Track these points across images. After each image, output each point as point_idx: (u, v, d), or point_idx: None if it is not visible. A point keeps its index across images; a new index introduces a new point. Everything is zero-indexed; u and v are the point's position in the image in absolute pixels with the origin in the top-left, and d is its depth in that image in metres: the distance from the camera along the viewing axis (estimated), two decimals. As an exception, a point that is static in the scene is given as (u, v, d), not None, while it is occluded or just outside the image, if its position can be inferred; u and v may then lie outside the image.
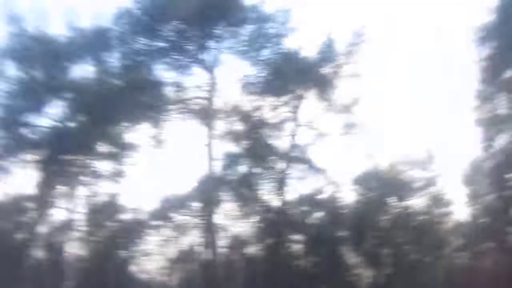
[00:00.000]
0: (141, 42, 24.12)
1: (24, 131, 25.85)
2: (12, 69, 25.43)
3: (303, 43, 27.03)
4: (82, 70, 26.50)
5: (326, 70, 27.77)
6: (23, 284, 24.02)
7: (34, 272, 25.89)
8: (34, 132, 26.05)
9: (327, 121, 28.16)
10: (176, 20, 23.86)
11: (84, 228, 28.46)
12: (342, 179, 28.32)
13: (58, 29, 26.13)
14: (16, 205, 27.55)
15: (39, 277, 25.59)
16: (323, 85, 27.67)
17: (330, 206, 28.73)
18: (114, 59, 25.01)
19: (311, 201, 28.58)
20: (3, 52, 25.37)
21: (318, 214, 29.49)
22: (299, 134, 27.72)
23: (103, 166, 28.06)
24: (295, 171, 27.88)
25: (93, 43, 25.83)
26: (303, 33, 27.32)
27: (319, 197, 28.70)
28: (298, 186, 28.11)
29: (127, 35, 24.23)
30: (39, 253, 28.35)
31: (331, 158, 28.19)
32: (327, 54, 27.61)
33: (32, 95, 25.11)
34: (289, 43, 26.70)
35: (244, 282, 28.17)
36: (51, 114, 26.21)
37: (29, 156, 26.35)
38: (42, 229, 27.35)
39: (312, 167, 27.69)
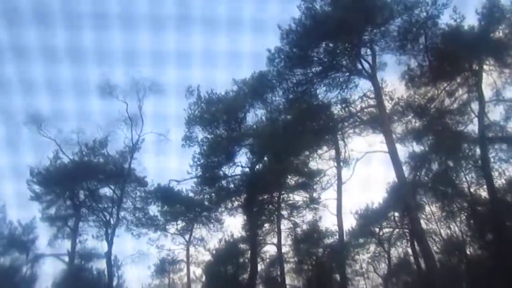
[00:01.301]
0: (298, 73, 25.04)
1: (223, 182, 29.18)
2: (200, 133, 29.22)
3: (462, 13, 24.53)
4: (255, 115, 28.99)
5: (498, 33, 24.54)
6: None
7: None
8: (231, 181, 29.17)
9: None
10: (325, 40, 24.18)
11: (295, 259, 29.99)
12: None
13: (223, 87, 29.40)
14: (232, 249, 30.67)
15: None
16: (500, 50, 24.42)
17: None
18: (279, 97, 26.45)
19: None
20: (189, 121, 29.23)
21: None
22: (490, 111, 24.80)
23: (297, 197, 29.71)
24: (497, 152, 24.81)
25: (256, 88, 28.03)
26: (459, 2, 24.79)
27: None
28: (506, 168, 24.88)
29: (284, 71, 25.40)
30: (260, 288, 30.79)
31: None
32: (494, 15, 24.43)
33: (221, 150, 28.27)
34: (446, 20, 24.48)
35: (471, 287, 25.55)
36: (241, 162, 29.09)
37: (232, 203, 29.54)
38: (259, 266, 29.77)
39: (517, 143, 24.25)
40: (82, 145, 29.40)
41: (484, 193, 25.05)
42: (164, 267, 33.16)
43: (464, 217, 26.51)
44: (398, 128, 26.46)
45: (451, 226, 27.06)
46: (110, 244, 27.83)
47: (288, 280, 29.76)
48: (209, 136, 29.07)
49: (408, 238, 27.42)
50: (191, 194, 30.15)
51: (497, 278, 21.45)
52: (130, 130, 29.51)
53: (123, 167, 29.86)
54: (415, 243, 24.81)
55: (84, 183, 29.65)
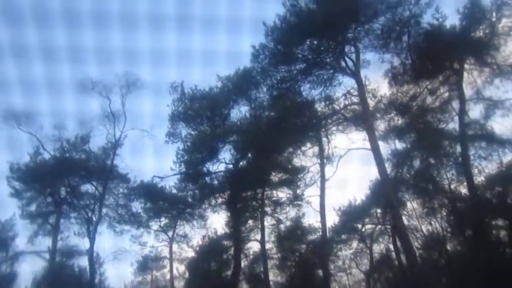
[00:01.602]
0: (283, 70, 25.09)
1: (207, 179, 29.11)
2: (183, 129, 29.02)
3: (445, 13, 24.89)
4: (239, 112, 28.96)
5: (479, 33, 24.97)
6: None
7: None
8: (215, 178, 29.12)
9: (497, 87, 25.19)
10: (309, 38, 24.26)
11: (278, 255, 30.10)
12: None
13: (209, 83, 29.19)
14: (216, 245, 30.63)
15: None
16: (480, 50, 24.87)
17: (531, 179, 25.01)
18: (263, 94, 26.54)
19: (505, 178, 25.35)
20: (173, 117, 29.02)
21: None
22: (470, 110, 25.29)
23: (281, 193, 29.82)
24: (476, 150, 25.33)
25: (240, 85, 28.01)
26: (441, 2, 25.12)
27: (514, 172, 25.33)
28: (485, 165, 25.41)
29: (268, 67, 25.41)
30: (244, 286, 30.86)
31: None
32: (475, 15, 24.87)
33: (204, 147, 28.17)
34: (429, 19, 24.80)
35: (451, 282, 26.02)
36: (225, 159, 29.05)
37: (216, 200, 29.50)
38: (242, 262, 29.79)
39: (496, 141, 24.73)
40: (64, 141, 29.03)
41: (464, 190, 25.55)
42: (147, 264, 32.93)
43: (445, 214, 26.96)
44: (381, 126, 26.90)
45: (432, 222, 27.49)
46: (92, 241, 27.55)
47: (271, 276, 29.87)
48: (192, 133, 28.95)
49: (390, 234, 27.78)
50: (174, 191, 30.07)
51: (476, 273, 21.89)
52: (113, 126, 29.27)
53: (105, 163, 29.55)
54: (397, 239, 25.12)
55: (65, 180, 29.25)
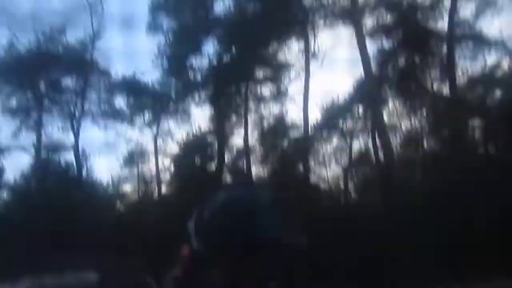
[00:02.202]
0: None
1: (190, 73, 28.58)
2: (164, 21, 27.70)
3: None
4: (223, 3, 27.52)
5: None
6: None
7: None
8: (198, 72, 28.59)
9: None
10: None
11: (261, 150, 30.88)
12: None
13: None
14: (200, 140, 31.15)
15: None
16: None
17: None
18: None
19: (487, 80, 25.56)
20: (153, 8, 27.51)
21: (497, 93, 26.42)
22: (461, 7, 24.52)
23: (265, 89, 29.65)
24: (463, 50, 25.09)
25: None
26: None
27: (497, 74, 25.48)
28: (470, 67, 25.39)
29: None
30: (227, 178, 32.05)
31: (506, 25, 24.50)
32: None
33: (187, 40, 27.19)
34: None
35: (427, 178, 27.42)
36: (208, 53, 28.26)
37: (199, 95, 29.35)
38: (226, 157, 30.67)
39: (483, 41, 24.43)
40: (39, 32, 27.58)
41: (446, 90, 25.80)
42: (133, 159, 33.53)
43: (425, 113, 27.47)
44: (369, 22, 26.03)
45: (412, 121, 28.08)
46: (76, 136, 27.69)
47: (254, 170, 30.97)
48: (175, 25, 27.72)
49: (370, 131, 28.40)
50: (157, 86, 29.63)
51: (450, 173, 23.07)
52: (89, 17, 27.73)
53: (84, 56, 28.56)
54: (376, 137, 25.85)
55: (44, 73, 28.38)
